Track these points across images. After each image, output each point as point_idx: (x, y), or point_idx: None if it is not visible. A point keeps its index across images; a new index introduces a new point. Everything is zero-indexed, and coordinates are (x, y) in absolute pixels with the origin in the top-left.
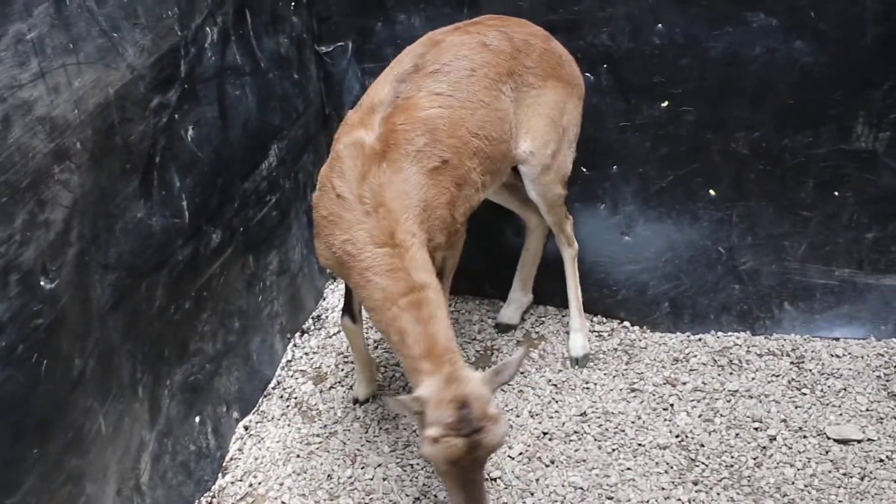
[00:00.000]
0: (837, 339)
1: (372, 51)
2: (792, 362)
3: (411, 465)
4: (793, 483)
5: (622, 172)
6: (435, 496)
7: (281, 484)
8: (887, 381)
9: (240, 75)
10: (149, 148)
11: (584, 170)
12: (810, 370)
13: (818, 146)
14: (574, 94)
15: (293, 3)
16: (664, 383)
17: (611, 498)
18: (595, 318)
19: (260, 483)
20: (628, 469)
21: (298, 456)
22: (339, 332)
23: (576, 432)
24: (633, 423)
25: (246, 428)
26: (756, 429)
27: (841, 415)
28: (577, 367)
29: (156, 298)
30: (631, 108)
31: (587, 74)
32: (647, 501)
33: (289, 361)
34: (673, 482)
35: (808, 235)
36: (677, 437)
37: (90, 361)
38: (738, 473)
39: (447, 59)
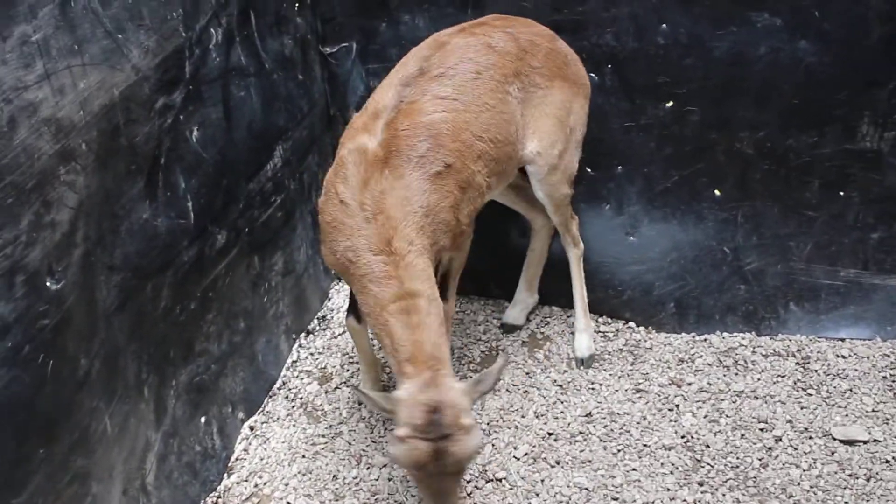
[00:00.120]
0: (843, 340)
1: (376, 51)
2: (797, 363)
3: None
4: (798, 484)
5: (627, 173)
6: None
7: (286, 484)
8: (893, 381)
9: (244, 76)
10: (154, 149)
11: (589, 170)
12: (816, 371)
13: (823, 146)
14: (580, 94)
15: (297, 4)
16: (669, 384)
17: (616, 499)
18: (600, 319)
19: (265, 483)
20: (634, 470)
21: (304, 456)
22: (344, 332)
23: (581, 433)
24: (638, 423)
25: (251, 428)
26: (761, 430)
27: (847, 416)
28: (582, 367)
29: (161, 299)
30: (635, 109)
31: (592, 74)
32: (653, 502)
33: (294, 362)
34: (678, 483)
35: (813, 235)
36: (683, 437)
37: (96, 362)
38: (744, 474)
39: (452, 63)
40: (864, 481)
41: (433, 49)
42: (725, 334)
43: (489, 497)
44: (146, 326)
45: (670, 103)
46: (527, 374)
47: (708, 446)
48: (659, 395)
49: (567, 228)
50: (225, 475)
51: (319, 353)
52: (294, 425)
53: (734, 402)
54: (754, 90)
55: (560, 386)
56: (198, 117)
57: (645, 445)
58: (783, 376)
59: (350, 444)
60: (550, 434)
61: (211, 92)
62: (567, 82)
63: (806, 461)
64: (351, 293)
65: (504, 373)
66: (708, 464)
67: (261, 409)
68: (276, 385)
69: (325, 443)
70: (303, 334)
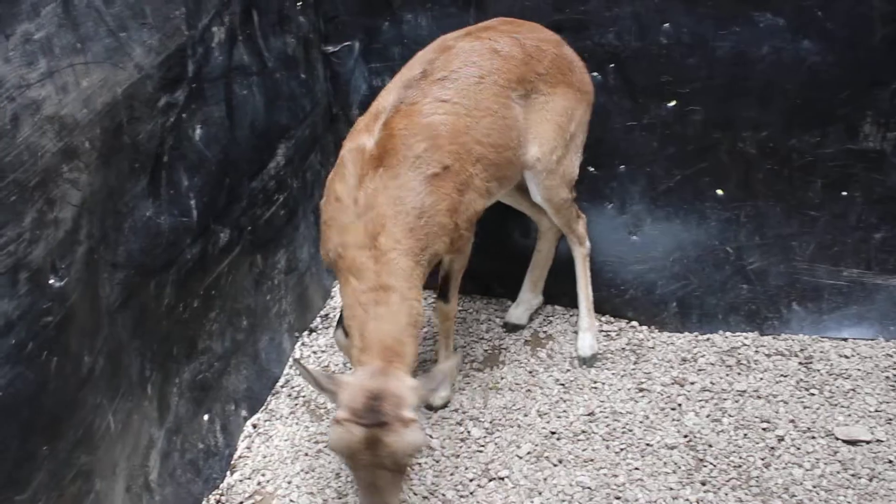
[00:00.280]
0: (846, 340)
1: (379, 50)
2: (800, 363)
3: (419, 463)
4: (801, 484)
5: (629, 172)
6: (443, 495)
7: (289, 482)
8: None
9: (247, 75)
10: (157, 147)
11: (592, 169)
12: (819, 371)
13: (826, 146)
14: (583, 101)
15: (300, 3)
16: (672, 383)
17: (619, 497)
18: (603, 318)
19: (268, 481)
20: (636, 469)
21: (307, 454)
22: None
23: (584, 432)
24: (641, 422)
25: (254, 426)
26: (764, 429)
27: (849, 415)
28: (585, 366)
29: (164, 297)
30: (638, 108)
31: (594, 74)
32: (655, 501)
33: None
34: (681, 482)
35: (816, 235)
36: (685, 437)
37: (99, 359)
38: (747, 474)
39: (456, 66)
40: (866, 481)
41: (438, 52)
42: (728, 334)
43: (492, 495)
44: (149, 324)
45: (673, 103)
46: (529, 372)
47: (710, 446)
48: (661, 395)
49: (571, 228)
50: (228, 473)
51: (322, 351)
52: (297, 423)
53: (737, 402)
54: (757, 90)
55: (563, 385)
56: (200, 116)
57: (647, 444)
58: (786, 376)
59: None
60: (553, 433)
61: (214, 90)
62: (571, 89)
63: (808, 461)
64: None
65: (455, 375)
66: (710, 463)
67: (264, 406)
68: (279, 383)
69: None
70: (306, 332)
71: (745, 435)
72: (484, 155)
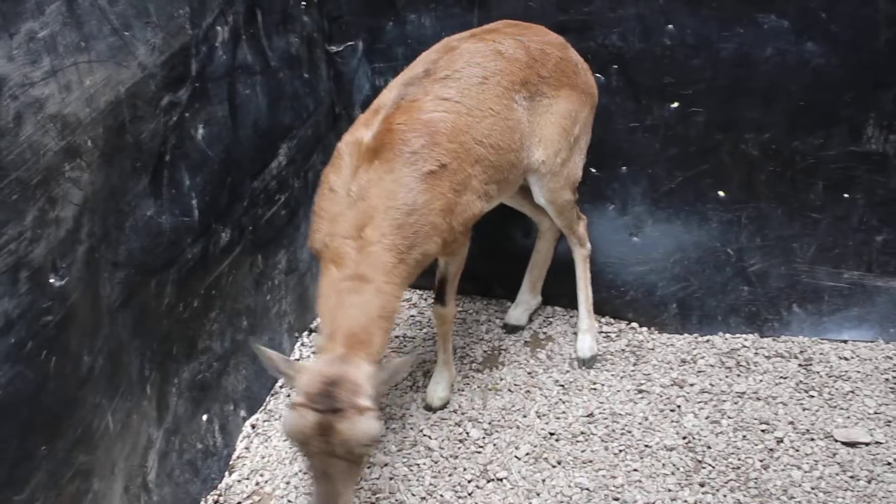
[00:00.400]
0: (846, 342)
1: (382, 50)
2: (800, 364)
3: (417, 464)
4: (800, 485)
5: (631, 173)
6: (441, 496)
7: (287, 482)
8: (895, 383)
9: (250, 74)
10: (159, 146)
11: (594, 170)
12: (818, 372)
13: (828, 148)
14: (588, 104)
15: (304, 3)
16: (671, 385)
17: (617, 499)
18: (603, 319)
19: (266, 482)
20: (635, 470)
21: None
22: None
23: (583, 433)
24: (640, 424)
25: (253, 426)
26: (763, 431)
27: (849, 417)
28: (584, 367)
29: (165, 296)
30: (641, 109)
31: (597, 75)
32: (654, 503)
33: (297, 360)
34: (679, 484)
35: (817, 237)
36: (684, 438)
37: (99, 359)
38: (745, 475)
39: (459, 66)
40: (865, 483)
41: (442, 52)
42: (728, 335)
43: (490, 497)
44: (149, 323)
45: (676, 104)
46: (529, 373)
47: (709, 447)
48: (661, 396)
49: (572, 230)
50: (226, 473)
51: None
52: None
53: (736, 404)
54: (760, 91)
55: (562, 386)
56: (203, 115)
57: (646, 446)
58: (785, 378)
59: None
60: (552, 434)
61: (217, 90)
62: (575, 91)
63: (807, 463)
64: None
65: (413, 367)
66: (709, 465)
67: (262, 407)
68: (279, 383)
69: None
70: (305, 333)
71: (744, 437)
72: (484, 156)
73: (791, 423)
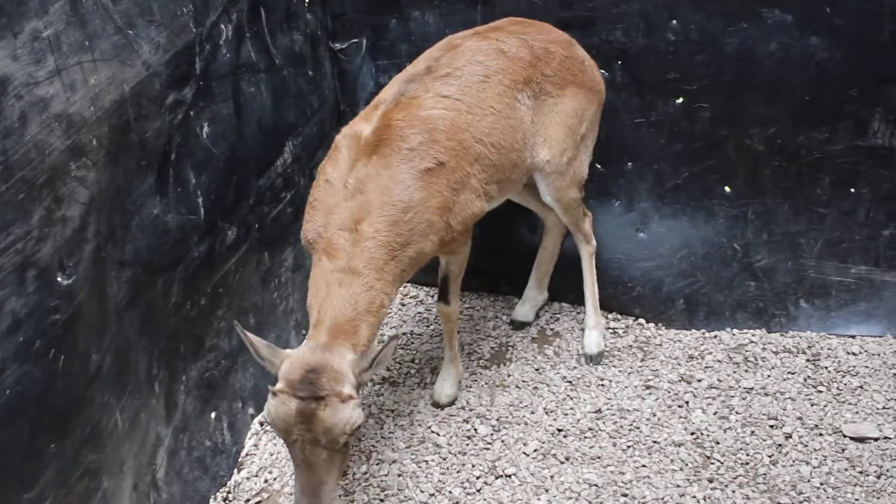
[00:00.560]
0: (854, 337)
1: (386, 47)
2: (808, 360)
3: (426, 461)
4: (808, 481)
5: (637, 169)
6: (450, 492)
7: None
8: None
9: (255, 72)
10: (164, 145)
11: (599, 166)
12: (826, 368)
13: (834, 142)
14: (594, 101)
15: (308, 0)
16: (679, 380)
17: (626, 495)
18: (610, 315)
19: (275, 479)
20: (643, 466)
21: None
22: None
23: (591, 429)
24: (648, 420)
25: (261, 424)
26: (771, 426)
27: (857, 412)
28: (591, 364)
29: (172, 295)
30: (646, 105)
31: (602, 71)
32: (662, 499)
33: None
34: (688, 479)
35: (824, 232)
36: (692, 434)
37: (107, 357)
38: (754, 471)
39: (460, 64)
40: (874, 478)
41: (444, 50)
42: (735, 331)
43: (498, 493)
44: (157, 322)
45: (680, 100)
46: (536, 370)
47: (718, 443)
48: (669, 392)
49: (579, 227)
50: (235, 470)
51: None
52: None
53: (744, 399)
54: (765, 86)
55: (570, 382)
56: (208, 113)
57: (654, 442)
58: (793, 373)
59: (360, 439)
60: (560, 430)
61: (221, 88)
62: (582, 89)
63: (816, 458)
64: None
65: (392, 356)
66: (717, 460)
67: None
68: None
69: None
70: None
71: (753, 432)
72: (484, 154)
73: (799, 418)
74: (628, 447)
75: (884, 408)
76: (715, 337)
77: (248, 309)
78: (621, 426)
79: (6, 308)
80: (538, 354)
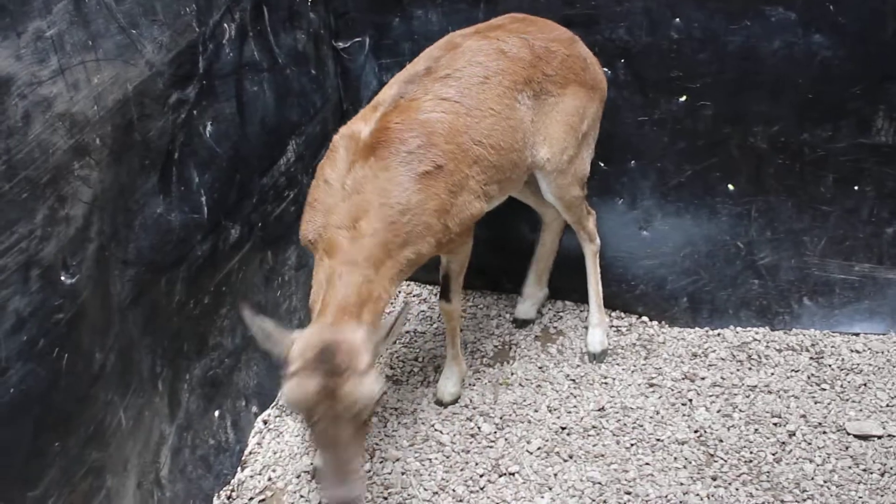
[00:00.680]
0: (857, 335)
1: (389, 46)
2: (811, 357)
3: (429, 459)
4: (812, 479)
5: (640, 167)
6: (454, 490)
7: (299, 477)
8: None
9: (258, 71)
10: (167, 144)
11: (602, 164)
12: (830, 365)
13: (838, 140)
14: (596, 99)
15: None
16: (683, 378)
17: (629, 493)
18: (613, 313)
19: (279, 477)
20: (647, 464)
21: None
22: None
23: (594, 427)
24: (651, 418)
25: (265, 422)
26: (775, 424)
27: (861, 410)
28: (595, 362)
29: (175, 293)
30: (649, 103)
31: (604, 69)
32: (666, 496)
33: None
34: (691, 477)
35: (827, 230)
36: (696, 432)
37: (110, 356)
38: (757, 469)
39: (460, 65)
40: (878, 476)
41: (444, 50)
42: (739, 329)
43: (502, 491)
44: (160, 320)
45: (684, 98)
46: (539, 368)
47: (721, 441)
48: (672, 390)
49: (582, 225)
50: (238, 469)
51: None
52: None
53: (748, 397)
54: (768, 84)
55: (573, 380)
56: (211, 112)
57: (658, 440)
58: (797, 371)
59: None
60: (563, 428)
61: (224, 87)
62: (584, 87)
63: (820, 456)
64: None
65: (402, 325)
66: (721, 458)
67: (274, 402)
68: None
69: None
70: None
71: (756, 430)
72: (483, 156)
73: (803, 416)
74: (632, 445)
75: (887, 405)
76: (718, 335)
77: (251, 307)
78: (625, 424)
79: (10, 307)
80: (541, 352)
